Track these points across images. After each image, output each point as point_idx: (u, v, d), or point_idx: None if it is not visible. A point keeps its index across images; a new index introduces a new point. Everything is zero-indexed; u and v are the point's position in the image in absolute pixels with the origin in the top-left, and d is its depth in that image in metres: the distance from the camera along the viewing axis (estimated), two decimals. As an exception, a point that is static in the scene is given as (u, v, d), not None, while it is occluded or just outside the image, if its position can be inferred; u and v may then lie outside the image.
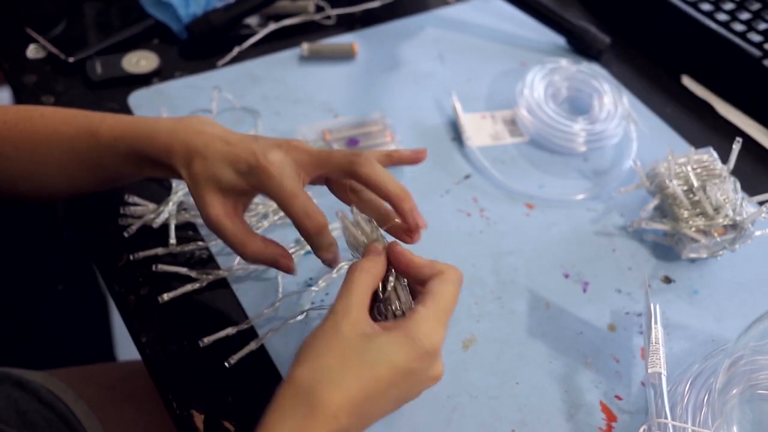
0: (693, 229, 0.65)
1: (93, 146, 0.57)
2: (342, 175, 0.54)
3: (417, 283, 0.51)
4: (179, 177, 0.55)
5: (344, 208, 0.56)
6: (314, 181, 0.56)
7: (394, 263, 0.51)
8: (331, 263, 0.55)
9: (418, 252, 0.67)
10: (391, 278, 0.51)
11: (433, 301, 0.47)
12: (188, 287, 0.61)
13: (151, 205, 0.66)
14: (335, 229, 0.63)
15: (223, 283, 0.62)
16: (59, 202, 0.63)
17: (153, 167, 0.57)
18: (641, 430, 0.54)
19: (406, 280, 0.52)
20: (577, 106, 0.81)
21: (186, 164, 0.54)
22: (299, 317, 0.60)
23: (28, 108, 0.61)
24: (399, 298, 0.50)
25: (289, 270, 0.56)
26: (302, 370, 0.45)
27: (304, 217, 0.52)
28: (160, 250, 0.63)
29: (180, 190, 0.66)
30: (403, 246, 0.52)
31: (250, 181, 0.53)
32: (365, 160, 0.53)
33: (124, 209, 0.65)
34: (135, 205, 0.65)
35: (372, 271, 0.49)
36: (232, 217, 0.54)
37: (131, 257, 0.63)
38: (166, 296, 0.60)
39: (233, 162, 0.53)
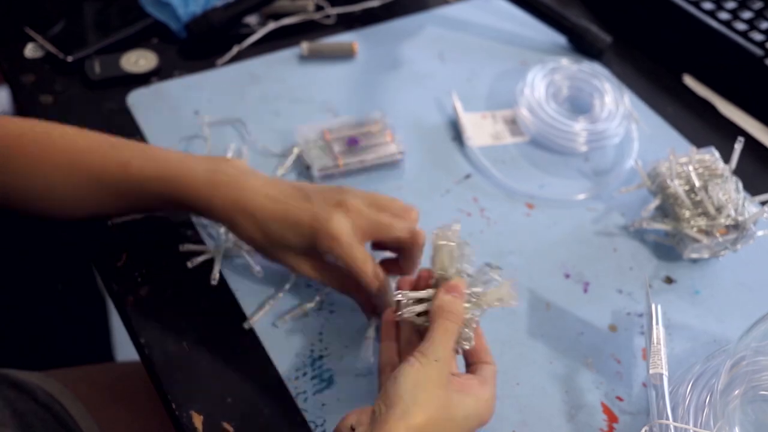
0: (695, 229, 0.65)
1: (122, 181, 0.57)
2: (396, 246, 0.58)
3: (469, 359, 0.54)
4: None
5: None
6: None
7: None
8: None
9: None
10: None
11: (488, 384, 0.51)
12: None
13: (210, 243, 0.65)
14: None
15: (223, 283, 0.62)
16: (74, 220, 0.63)
17: (189, 210, 0.58)
18: (642, 431, 0.53)
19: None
20: (578, 105, 0.81)
21: (231, 220, 0.56)
22: (298, 311, 0.60)
23: (45, 125, 0.60)
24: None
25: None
26: (414, 422, 0.45)
27: (374, 281, 0.55)
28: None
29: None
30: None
31: (313, 244, 0.55)
32: (423, 238, 0.57)
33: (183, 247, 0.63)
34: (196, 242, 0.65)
35: (459, 316, 0.51)
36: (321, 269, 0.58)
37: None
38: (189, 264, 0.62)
39: (293, 226, 0.55)
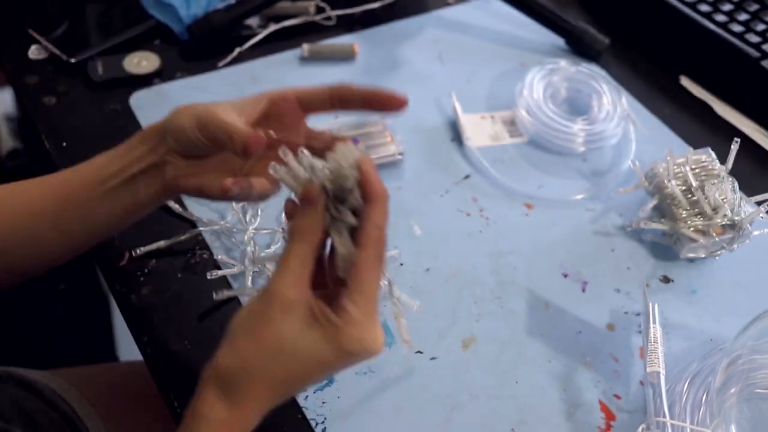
0: (691, 229, 0.65)
1: (84, 198, 0.54)
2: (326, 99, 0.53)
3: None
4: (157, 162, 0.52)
5: None
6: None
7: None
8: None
9: (418, 252, 0.67)
10: (333, 236, 0.47)
11: (360, 295, 0.45)
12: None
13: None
14: None
15: (223, 282, 0.63)
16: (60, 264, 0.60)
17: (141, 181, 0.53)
18: (640, 429, 0.54)
19: (346, 220, 0.47)
20: (576, 106, 0.81)
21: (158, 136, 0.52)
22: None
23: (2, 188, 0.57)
24: (340, 253, 0.47)
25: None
26: (229, 359, 0.45)
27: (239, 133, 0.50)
28: (162, 243, 0.64)
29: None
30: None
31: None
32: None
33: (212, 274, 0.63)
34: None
35: (308, 234, 0.46)
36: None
37: (133, 253, 0.63)
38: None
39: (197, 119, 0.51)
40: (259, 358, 0.44)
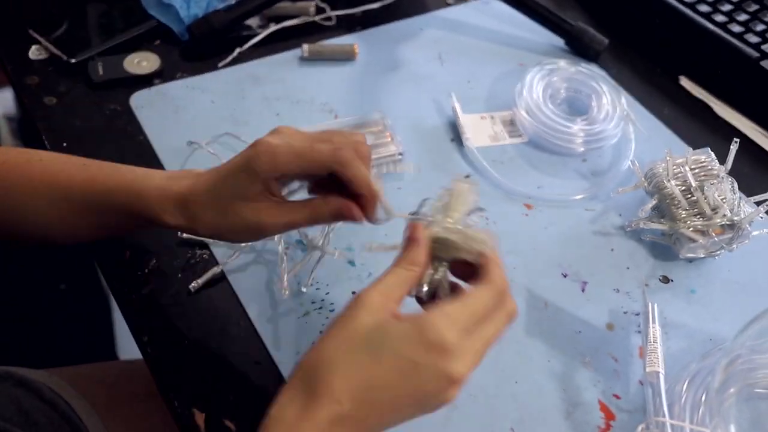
0: (691, 229, 0.65)
1: (88, 194, 0.56)
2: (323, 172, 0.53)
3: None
4: (174, 228, 0.55)
5: None
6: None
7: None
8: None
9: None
10: (434, 275, 0.50)
11: (459, 300, 0.46)
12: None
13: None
14: None
15: (223, 282, 0.63)
16: (56, 246, 0.62)
17: (149, 221, 0.56)
18: (639, 428, 0.54)
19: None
20: (576, 106, 0.82)
21: (182, 213, 0.54)
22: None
23: (27, 152, 0.60)
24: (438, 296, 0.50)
25: (357, 218, 0.53)
26: (310, 355, 0.45)
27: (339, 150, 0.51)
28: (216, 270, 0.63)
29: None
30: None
31: (256, 171, 0.51)
32: (350, 159, 0.51)
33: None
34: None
35: (415, 267, 0.48)
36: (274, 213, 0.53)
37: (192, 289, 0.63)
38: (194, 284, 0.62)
39: (233, 171, 0.53)
40: (336, 350, 0.44)
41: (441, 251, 0.50)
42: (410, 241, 0.49)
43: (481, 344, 0.46)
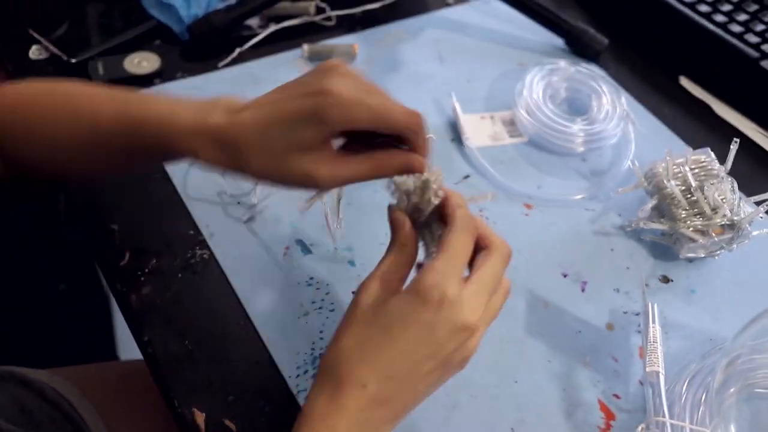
0: (691, 228, 0.65)
1: (116, 125, 0.53)
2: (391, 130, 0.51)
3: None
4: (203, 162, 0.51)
5: None
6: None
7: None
8: None
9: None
10: (431, 239, 0.50)
11: (441, 251, 0.46)
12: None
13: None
14: None
15: (224, 282, 0.63)
16: (82, 180, 0.61)
17: (181, 155, 0.53)
18: (639, 428, 0.54)
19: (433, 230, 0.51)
20: (576, 106, 0.82)
21: (229, 155, 0.50)
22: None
23: (47, 84, 0.57)
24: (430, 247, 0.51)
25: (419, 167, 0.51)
26: (327, 354, 0.46)
27: (405, 112, 0.50)
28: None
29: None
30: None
31: (320, 120, 0.48)
32: (422, 126, 0.51)
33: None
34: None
35: (405, 247, 0.48)
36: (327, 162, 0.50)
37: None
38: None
39: (292, 118, 0.49)
40: (349, 339, 0.45)
41: (418, 217, 0.50)
42: (392, 224, 0.50)
43: (481, 286, 0.46)
